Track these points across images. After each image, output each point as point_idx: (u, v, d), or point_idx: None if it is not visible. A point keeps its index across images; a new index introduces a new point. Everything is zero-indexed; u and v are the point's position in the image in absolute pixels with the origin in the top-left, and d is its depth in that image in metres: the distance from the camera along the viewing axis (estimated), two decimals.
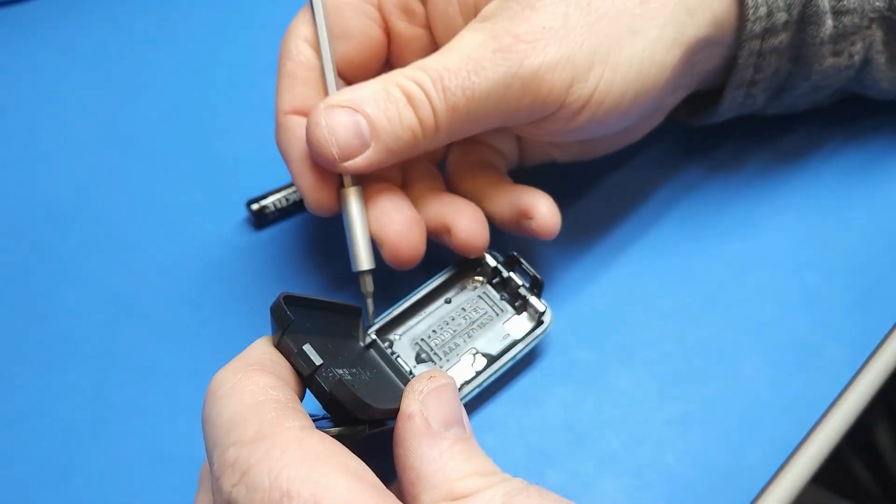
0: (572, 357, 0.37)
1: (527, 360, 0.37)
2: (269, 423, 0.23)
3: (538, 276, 0.36)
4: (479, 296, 0.37)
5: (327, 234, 0.42)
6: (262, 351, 0.27)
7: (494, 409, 0.36)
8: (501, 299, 0.37)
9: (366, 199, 0.35)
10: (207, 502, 0.26)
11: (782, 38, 0.36)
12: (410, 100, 0.32)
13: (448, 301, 0.37)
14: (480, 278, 0.38)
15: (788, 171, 0.43)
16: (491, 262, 0.37)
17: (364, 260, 0.35)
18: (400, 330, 0.36)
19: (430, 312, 0.37)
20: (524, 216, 0.36)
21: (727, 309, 0.39)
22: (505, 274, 0.37)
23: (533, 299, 0.36)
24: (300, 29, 0.36)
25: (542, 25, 0.32)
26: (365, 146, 0.32)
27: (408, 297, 0.36)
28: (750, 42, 0.36)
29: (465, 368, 0.35)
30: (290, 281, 0.41)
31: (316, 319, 0.30)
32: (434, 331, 0.36)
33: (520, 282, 0.36)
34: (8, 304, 0.40)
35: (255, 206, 0.42)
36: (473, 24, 0.33)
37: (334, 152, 0.32)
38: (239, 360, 0.26)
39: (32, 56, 0.51)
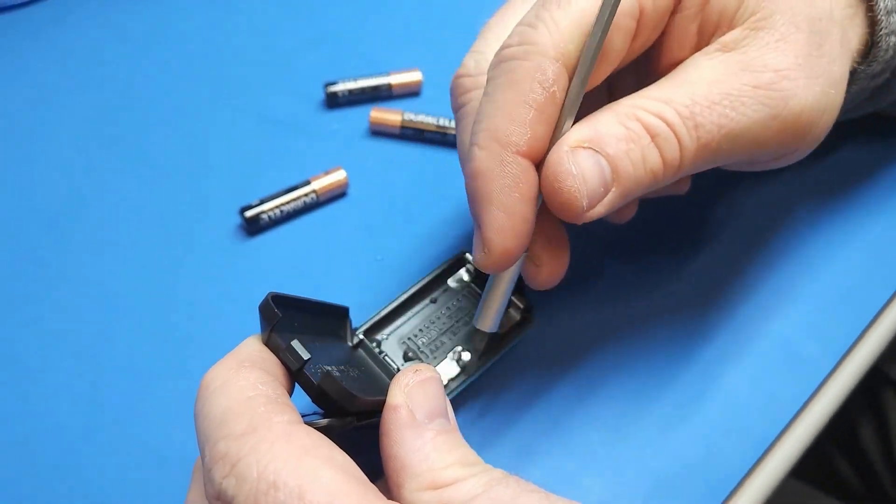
0: (555, 355, 0.38)
1: (509, 359, 0.38)
2: (259, 418, 0.24)
3: (520, 275, 0.37)
4: (464, 295, 0.38)
5: (319, 242, 0.43)
6: (252, 348, 0.28)
7: (478, 408, 0.37)
8: None
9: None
10: (200, 495, 0.27)
11: (885, 76, 0.36)
12: (654, 138, 0.29)
13: (434, 301, 0.38)
14: (464, 277, 0.39)
15: (765, 175, 0.44)
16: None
17: (492, 323, 0.33)
18: (387, 330, 0.37)
19: (417, 312, 0.38)
20: None
21: (707, 309, 0.40)
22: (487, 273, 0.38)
23: (516, 298, 0.37)
24: (548, 41, 0.29)
25: (797, 61, 0.30)
26: (607, 192, 0.29)
27: (394, 299, 0.37)
28: (888, 37, 0.35)
29: (451, 365, 0.36)
30: (281, 287, 0.41)
31: (304, 319, 0.30)
32: (420, 330, 0.37)
33: None
34: (1, 307, 0.41)
35: (248, 214, 0.42)
36: (713, 53, 0.30)
37: (584, 204, 0.28)
38: (230, 357, 0.27)
39: (26, 61, 0.51)
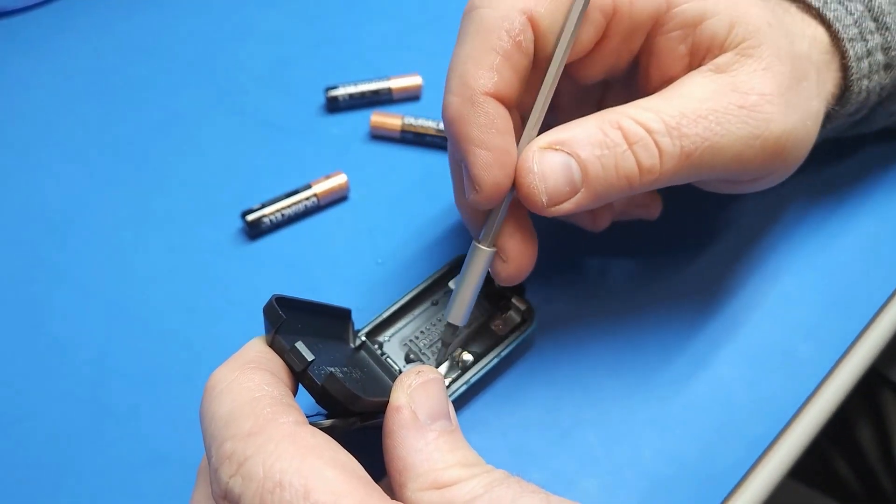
0: (553, 358, 0.39)
1: (510, 361, 0.38)
2: (265, 418, 0.25)
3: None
4: None
5: (320, 246, 0.43)
6: (257, 350, 0.28)
7: (479, 409, 0.37)
8: (485, 300, 0.38)
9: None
10: (205, 496, 0.28)
11: (884, 78, 0.38)
12: (632, 145, 0.30)
13: (435, 303, 0.38)
14: None
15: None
16: None
17: (462, 317, 0.34)
18: (389, 332, 0.37)
19: (418, 314, 0.38)
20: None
21: (706, 312, 0.40)
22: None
23: (516, 299, 0.37)
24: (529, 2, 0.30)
25: (780, 90, 0.32)
26: (575, 191, 0.31)
27: (396, 301, 0.38)
28: (859, 81, 0.37)
29: (453, 367, 0.36)
30: (282, 290, 0.41)
31: (307, 321, 0.31)
32: (422, 331, 0.37)
33: None
34: (6, 311, 0.41)
35: (249, 218, 0.43)
36: (706, 73, 0.32)
37: (543, 200, 0.30)
38: (235, 358, 0.28)
39: (27, 67, 0.51)
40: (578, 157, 0.30)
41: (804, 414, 0.38)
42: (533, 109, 0.31)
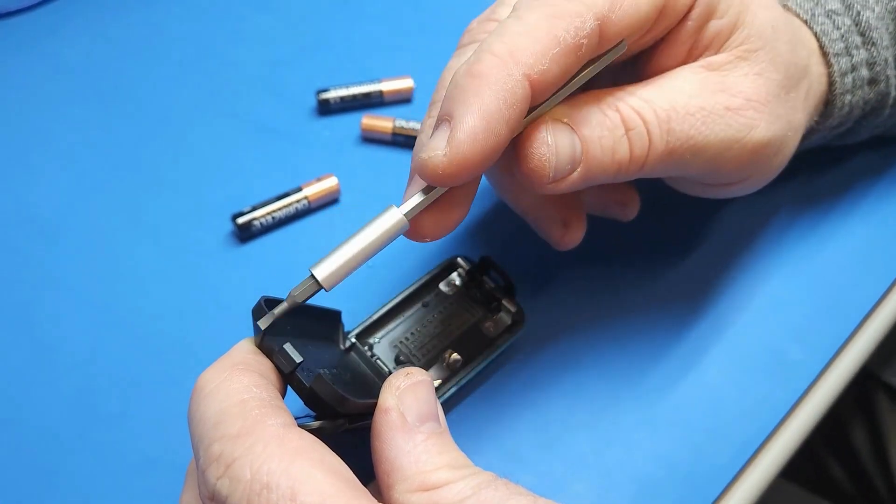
0: (543, 361, 0.39)
1: (499, 364, 0.38)
2: (253, 420, 0.25)
3: (511, 279, 0.37)
4: (455, 299, 0.39)
5: (311, 248, 0.43)
6: (245, 351, 0.28)
7: (468, 412, 0.37)
8: (476, 302, 0.38)
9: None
10: (193, 497, 0.28)
11: (868, 93, 0.39)
12: (628, 131, 0.30)
13: (425, 305, 0.38)
14: (456, 282, 0.39)
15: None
16: (465, 265, 0.39)
17: (331, 276, 0.28)
18: (379, 333, 0.37)
19: (408, 316, 0.38)
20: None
21: (696, 315, 0.40)
22: (479, 277, 0.38)
23: (506, 302, 0.37)
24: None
25: (767, 98, 0.32)
26: (573, 170, 0.30)
27: (386, 303, 0.38)
28: (843, 96, 0.38)
29: (442, 369, 0.36)
30: (273, 293, 0.41)
31: (296, 322, 0.31)
32: (412, 333, 0.37)
33: (493, 284, 0.38)
34: None
35: (240, 220, 0.43)
36: (697, 69, 0.32)
37: (551, 174, 0.29)
38: (223, 360, 0.27)
39: (19, 68, 0.51)
40: (583, 136, 0.30)
41: (794, 416, 0.38)
42: (559, 91, 0.29)
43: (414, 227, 0.29)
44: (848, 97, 0.38)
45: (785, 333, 0.40)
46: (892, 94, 0.39)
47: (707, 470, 0.36)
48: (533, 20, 0.28)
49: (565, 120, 0.29)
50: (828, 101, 0.38)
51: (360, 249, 0.28)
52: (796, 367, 0.39)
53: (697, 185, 0.36)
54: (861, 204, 0.44)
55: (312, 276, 0.27)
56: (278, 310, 0.28)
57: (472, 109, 0.27)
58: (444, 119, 0.27)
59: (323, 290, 0.28)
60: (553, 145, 0.29)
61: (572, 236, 0.37)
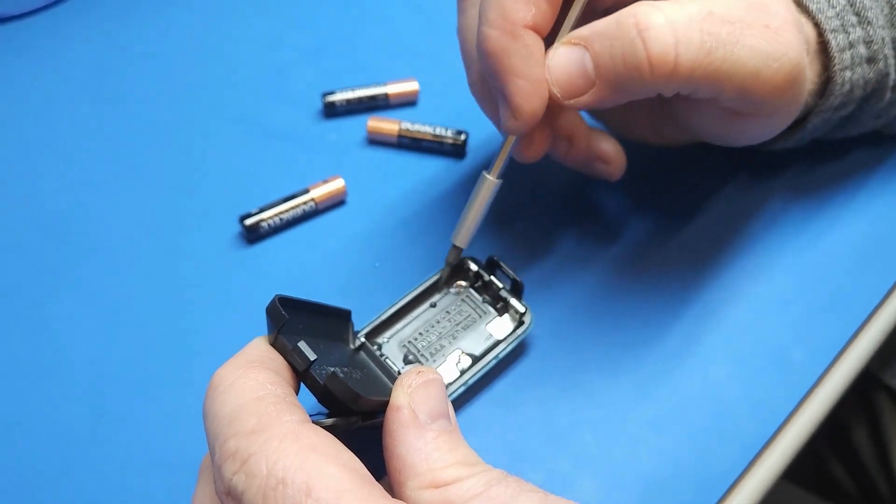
0: (550, 360, 0.39)
1: (507, 363, 0.39)
2: (268, 417, 0.25)
3: (518, 279, 0.37)
4: (463, 299, 0.39)
5: (318, 250, 0.43)
6: (260, 349, 0.28)
7: (476, 411, 0.38)
8: (484, 302, 0.39)
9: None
10: (208, 493, 0.28)
11: (851, 108, 0.39)
12: (643, 31, 0.30)
13: (433, 305, 0.39)
14: (463, 282, 0.39)
15: (758, 186, 0.45)
16: (473, 266, 0.39)
17: (466, 240, 0.37)
18: (388, 333, 0.38)
19: (417, 316, 0.38)
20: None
21: (700, 314, 0.40)
22: (486, 277, 0.38)
23: (513, 301, 0.38)
24: None
25: (797, 26, 0.33)
26: (590, 84, 0.32)
27: (395, 303, 0.38)
28: (842, 72, 0.38)
29: (451, 368, 0.37)
30: (280, 293, 0.42)
31: (309, 321, 0.31)
32: (420, 333, 0.38)
33: (501, 284, 0.38)
34: (7, 314, 0.41)
35: (248, 222, 0.43)
36: None
37: (555, 91, 0.32)
38: (238, 357, 0.28)
39: (26, 72, 0.52)
40: (592, 49, 0.31)
41: (798, 416, 0.39)
42: (565, 22, 0.33)
43: (519, 154, 0.37)
44: (847, 73, 0.38)
45: (788, 333, 0.40)
46: (892, 75, 0.40)
47: (712, 469, 0.36)
48: None
49: (575, 41, 0.32)
50: (828, 80, 0.38)
51: (477, 213, 0.37)
52: (799, 367, 0.39)
53: (726, 113, 0.35)
54: (863, 202, 0.45)
55: (454, 245, 0.37)
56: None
57: (511, 80, 0.32)
58: (498, 93, 0.33)
59: (462, 248, 0.38)
60: (548, 66, 0.32)
61: (616, 168, 0.40)
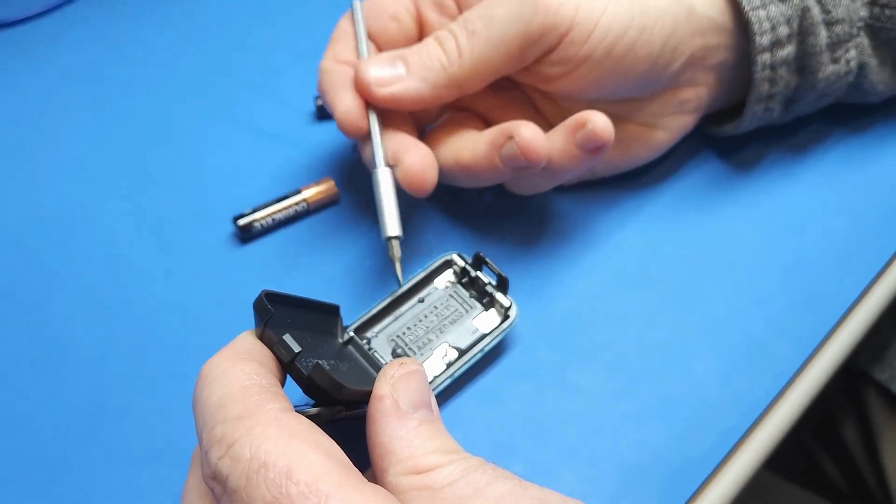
0: (534, 355, 0.40)
1: (492, 358, 0.39)
2: (253, 405, 0.26)
3: (503, 275, 0.38)
4: (450, 295, 0.40)
5: (311, 249, 0.44)
6: (247, 342, 0.29)
7: (461, 405, 0.38)
8: (470, 297, 0.40)
9: (384, 130, 0.40)
10: (198, 479, 0.29)
11: (789, 49, 0.40)
12: (438, 39, 0.39)
13: (421, 300, 0.40)
14: (451, 278, 0.40)
15: (738, 181, 0.46)
16: (459, 262, 0.40)
17: (392, 227, 0.39)
18: (377, 328, 0.39)
19: (405, 311, 0.39)
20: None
21: (682, 309, 0.41)
22: (472, 273, 0.39)
23: (499, 296, 0.39)
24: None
25: None
26: (400, 77, 0.39)
27: (383, 298, 0.39)
28: (761, 55, 0.40)
29: (438, 361, 0.38)
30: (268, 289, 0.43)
31: (296, 315, 0.32)
32: (409, 328, 0.39)
33: (486, 280, 0.39)
34: (4, 313, 0.42)
35: (241, 222, 0.44)
36: None
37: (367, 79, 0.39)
38: (226, 350, 0.29)
39: (25, 75, 0.53)
40: (402, 55, 0.40)
41: (778, 407, 0.39)
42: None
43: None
44: (761, 12, 0.39)
45: (768, 326, 0.40)
46: (816, 10, 0.40)
47: (691, 458, 0.36)
48: (338, 34, 0.44)
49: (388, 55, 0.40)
50: (747, 23, 0.39)
51: (391, 203, 0.39)
52: (778, 361, 0.39)
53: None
54: (843, 197, 0.45)
55: (389, 237, 0.39)
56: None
57: (335, 95, 0.41)
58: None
59: (399, 237, 0.39)
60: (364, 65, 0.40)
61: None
